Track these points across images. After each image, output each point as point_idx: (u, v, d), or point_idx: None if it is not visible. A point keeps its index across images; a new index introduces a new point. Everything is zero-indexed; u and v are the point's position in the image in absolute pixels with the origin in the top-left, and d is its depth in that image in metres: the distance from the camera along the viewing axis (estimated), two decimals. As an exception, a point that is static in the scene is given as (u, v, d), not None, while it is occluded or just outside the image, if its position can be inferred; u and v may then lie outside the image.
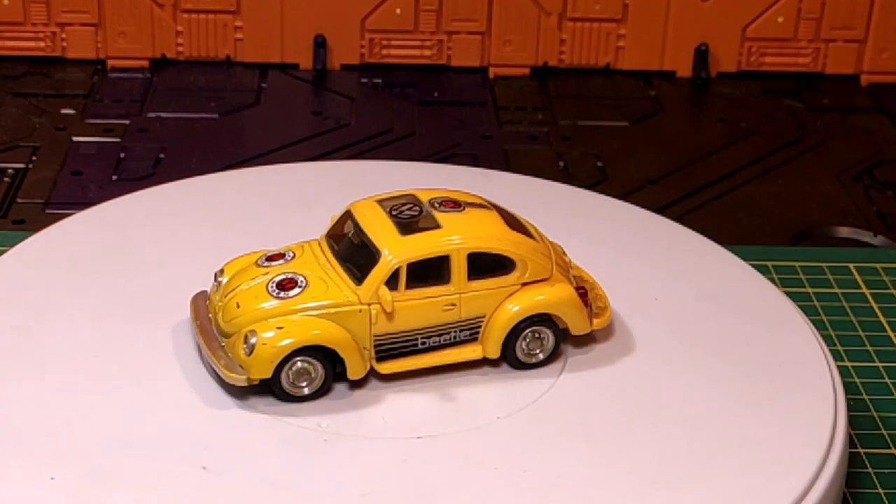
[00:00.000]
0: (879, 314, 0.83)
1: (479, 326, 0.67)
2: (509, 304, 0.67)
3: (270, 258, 0.68)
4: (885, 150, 1.08)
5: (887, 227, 0.96)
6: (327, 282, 0.66)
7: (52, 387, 0.65)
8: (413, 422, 0.64)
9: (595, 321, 0.69)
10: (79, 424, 0.63)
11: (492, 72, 1.18)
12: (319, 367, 0.65)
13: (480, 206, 0.69)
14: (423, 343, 0.66)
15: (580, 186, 0.92)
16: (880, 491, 0.68)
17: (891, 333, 0.81)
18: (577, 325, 0.68)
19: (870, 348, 0.80)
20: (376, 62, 1.18)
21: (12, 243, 0.78)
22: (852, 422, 0.71)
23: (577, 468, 0.61)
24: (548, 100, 1.14)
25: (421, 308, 0.66)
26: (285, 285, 0.66)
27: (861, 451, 0.71)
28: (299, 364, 0.64)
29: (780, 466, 0.62)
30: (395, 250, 0.65)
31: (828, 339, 0.78)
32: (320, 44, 1.16)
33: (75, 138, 1.05)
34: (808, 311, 0.80)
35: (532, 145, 1.07)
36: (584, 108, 1.13)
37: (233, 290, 0.67)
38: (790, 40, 1.18)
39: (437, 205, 0.68)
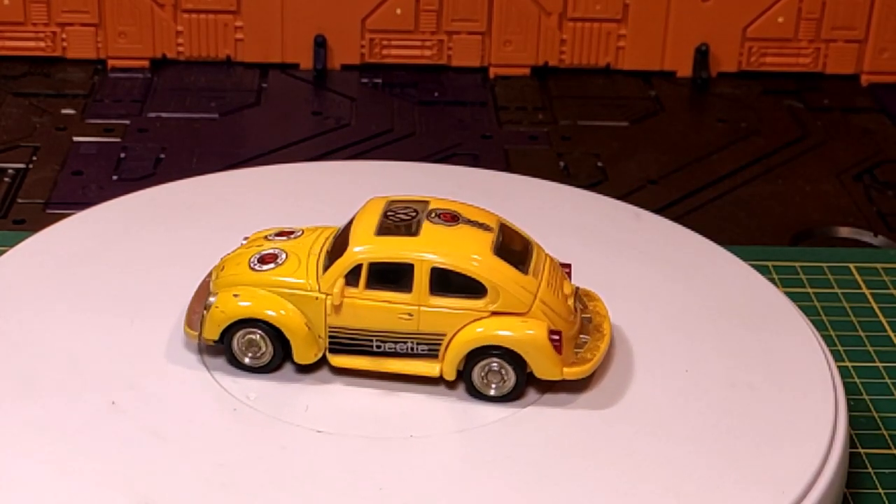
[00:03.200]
0: (879, 314, 0.83)
1: (439, 344, 0.65)
2: (469, 328, 0.65)
3: (280, 233, 0.70)
4: (885, 150, 1.08)
5: (887, 227, 0.96)
6: (301, 265, 0.67)
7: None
8: (332, 418, 0.64)
9: (568, 369, 0.65)
10: (35, 354, 0.68)
11: (492, 72, 1.18)
12: (269, 342, 0.66)
13: (480, 225, 0.67)
14: (379, 346, 0.66)
15: (580, 186, 0.92)
16: (880, 491, 0.68)
17: (891, 333, 0.81)
18: (542, 370, 0.65)
19: (870, 348, 0.80)
20: (376, 62, 1.18)
21: (12, 243, 0.79)
22: (852, 422, 0.71)
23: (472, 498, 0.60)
24: (548, 100, 1.14)
25: (378, 310, 0.65)
26: (266, 259, 0.67)
27: (861, 451, 0.71)
28: (250, 335, 0.66)
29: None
30: (363, 248, 0.65)
31: (828, 339, 0.78)
32: (320, 44, 1.16)
33: (75, 138, 1.05)
34: (808, 311, 0.80)
35: (532, 145, 1.07)
36: (585, 108, 1.13)
37: (231, 255, 0.69)
38: (790, 40, 1.18)
39: (434, 215, 0.67)
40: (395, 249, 0.65)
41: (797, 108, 1.15)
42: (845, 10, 1.17)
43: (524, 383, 0.65)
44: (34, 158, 1.01)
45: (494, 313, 0.65)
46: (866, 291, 0.85)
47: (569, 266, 0.70)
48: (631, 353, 0.69)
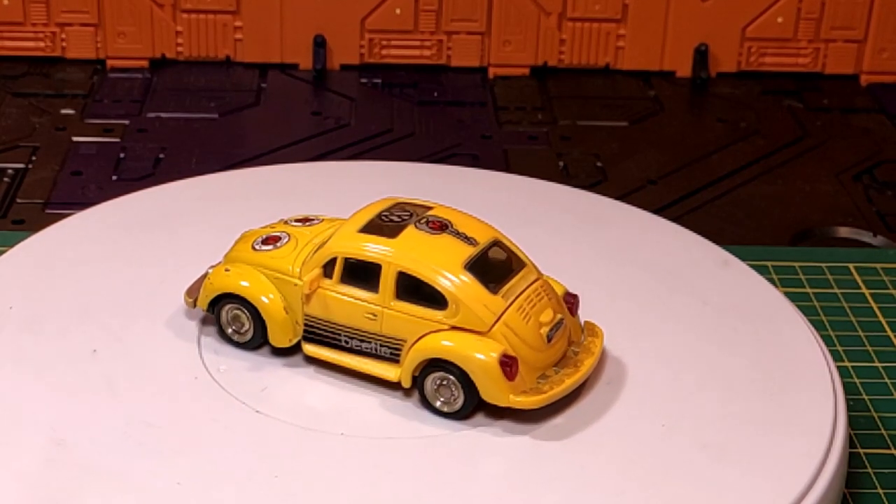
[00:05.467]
0: (879, 314, 0.83)
1: (400, 348, 0.65)
2: (427, 339, 0.64)
3: (302, 219, 0.71)
4: (885, 150, 1.08)
5: (887, 227, 0.96)
6: (295, 251, 0.68)
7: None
8: (280, 403, 0.66)
9: (517, 397, 0.63)
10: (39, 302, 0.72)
11: (492, 72, 1.18)
12: (251, 321, 0.68)
13: (466, 238, 0.66)
14: (347, 342, 0.66)
15: (580, 186, 0.92)
16: (880, 491, 0.68)
17: (891, 333, 0.81)
18: (488, 393, 0.63)
19: (870, 348, 0.80)
20: (376, 62, 1.18)
21: (12, 243, 0.79)
22: (852, 422, 0.71)
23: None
24: (548, 100, 1.14)
25: (346, 305, 0.66)
26: (269, 241, 0.69)
27: (861, 451, 0.71)
28: (236, 311, 0.69)
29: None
30: (340, 241, 0.66)
31: (828, 339, 0.78)
32: (320, 44, 1.16)
33: (75, 138, 1.05)
34: (808, 312, 0.80)
35: (532, 145, 1.07)
36: (584, 108, 1.13)
37: (250, 232, 0.72)
38: (790, 40, 1.18)
39: (424, 221, 0.67)
40: (368, 248, 0.65)
41: (797, 108, 1.15)
42: (845, 10, 1.17)
43: (473, 403, 0.64)
44: (34, 158, 1.01)
45: (454, 328, 0.64)
46: (866, 291, 0.85)
47: (575, 297, 0.68)
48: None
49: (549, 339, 0.65)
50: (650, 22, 1.17)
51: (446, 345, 0.64)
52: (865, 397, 0.75)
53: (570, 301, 0.68)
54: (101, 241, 0.78)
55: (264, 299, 0.68)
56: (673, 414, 0.65)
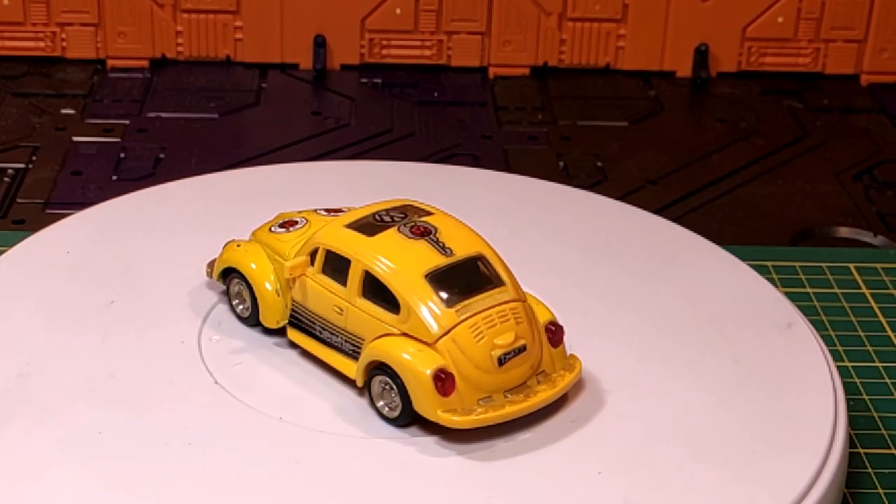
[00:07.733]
0: (879, 314, 0.83)
1: (360, 347, 0.65)
2: (379, 340, 0.64)
3: (332, 209, 0.72)
4: (885, 150, 1.08)
5: (887, 227, 0.96)
6: (300, 236, 0.69)
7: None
8: (243, 381, 0.67)
9: (444, 413, 0.62)
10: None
11: (492, 72, 1.18)
12: (250, 297, 0.70)
13: (443, 248, 0.65)
14: (321, 333, 0.67)
15: (580, 186, 0.92)
16: (880, 491, 0.68)
17: (891, 333, 0.81)
18: (420, 405, 0.62)
19: (870, 348, 0.80)
20: (376, 62, 1.18)
21: (12, 243, 0.79)
22: (852, 422, 0.71)
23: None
24: (548, 100, 1.14)
25: (320, 295, 0.67)
26: (285, 224, 0.71)
27: (861, 451, 0.71)
28: (240, 286, 0.71)
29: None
30: (325, 232, 0.67)
31: (828, 340, 0.78)
32: (320, 44, 1.16)
33: (75, 138, 1.05)
34: (808, 312, 0.80)
35: (532, 145, 1.07)
36: (584, 108, 1.13)
37: (283, 213, 0.74)
38: (790, 40, 1.18)
39: (409, 226, 0.66)
40: (344, 243, 0.66)
41: (797, 108, 1.15)
42: (845, 10, 1.17)
43: (410, 412, 0.63)
44: (34, 158, 1.01)
45: (405, 334, 0.64)
46: (866, 291, 0.85)
47: (558, 327, 0.66)
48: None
49: (501, 363, 0.63)
50: (650, 22, 1.17)
51: (391, 350, 0.63)
52: (865, 397, 0.75)
53: (552, 330, 0.66)
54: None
55: (260, 279, 0.69)
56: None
